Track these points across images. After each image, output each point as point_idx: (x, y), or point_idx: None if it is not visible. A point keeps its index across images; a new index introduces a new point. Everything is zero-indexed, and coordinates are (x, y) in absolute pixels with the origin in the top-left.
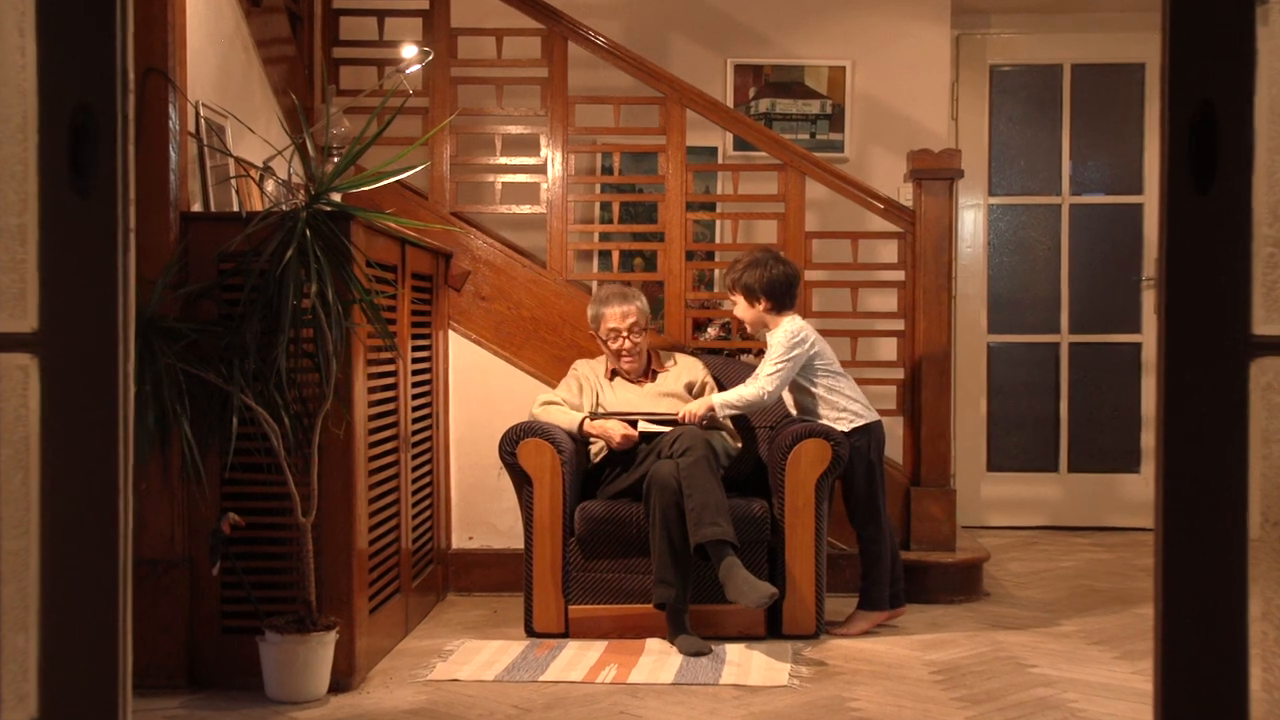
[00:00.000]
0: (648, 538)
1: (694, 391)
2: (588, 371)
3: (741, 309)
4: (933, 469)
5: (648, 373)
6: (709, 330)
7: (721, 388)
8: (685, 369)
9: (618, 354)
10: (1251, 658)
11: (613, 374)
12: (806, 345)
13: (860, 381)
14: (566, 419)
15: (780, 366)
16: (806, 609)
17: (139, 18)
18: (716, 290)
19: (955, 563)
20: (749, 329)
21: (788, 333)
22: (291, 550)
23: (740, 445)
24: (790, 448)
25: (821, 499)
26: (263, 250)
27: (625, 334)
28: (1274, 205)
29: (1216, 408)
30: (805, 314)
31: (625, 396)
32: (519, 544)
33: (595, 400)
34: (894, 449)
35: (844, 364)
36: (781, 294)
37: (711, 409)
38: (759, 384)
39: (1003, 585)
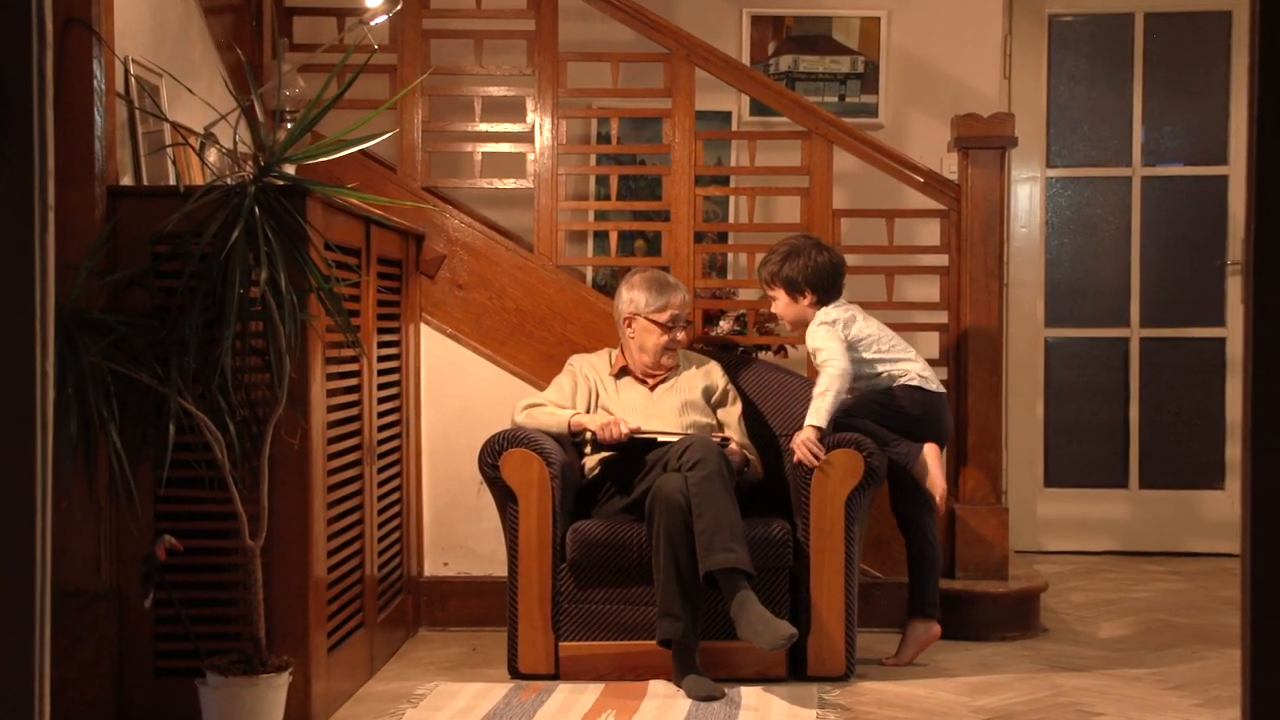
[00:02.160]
0: (650, 563)
1: (713, 400)
2: (586, 368)
3: (782, 305)
4: (981, 484)
5: (658, 376)
6: (721, 323)
7: (741, 392)
8: (701, 371)
9: (660, 350)
10: None
11: (621, 372)
12: (839, 326)
13: None
14: (553, 420)
15: (829, 350)
16: (834, 647)
17: None
18: (730, 278)
19: (1008, 593)
20: (790, 327)
21: (819, 326)
22: (237, 579)
23: (762, 477)
24: (811, 468)
25: (853, 519)
26: (204, 231)
27: (672, 328)
28: None
29: None
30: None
31: (632, 400)
32: (501, 571)
33: (593, 402)
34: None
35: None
36: (829, 285)
37: (820, 431)
38: (824, 372)
39: (1063, 620)
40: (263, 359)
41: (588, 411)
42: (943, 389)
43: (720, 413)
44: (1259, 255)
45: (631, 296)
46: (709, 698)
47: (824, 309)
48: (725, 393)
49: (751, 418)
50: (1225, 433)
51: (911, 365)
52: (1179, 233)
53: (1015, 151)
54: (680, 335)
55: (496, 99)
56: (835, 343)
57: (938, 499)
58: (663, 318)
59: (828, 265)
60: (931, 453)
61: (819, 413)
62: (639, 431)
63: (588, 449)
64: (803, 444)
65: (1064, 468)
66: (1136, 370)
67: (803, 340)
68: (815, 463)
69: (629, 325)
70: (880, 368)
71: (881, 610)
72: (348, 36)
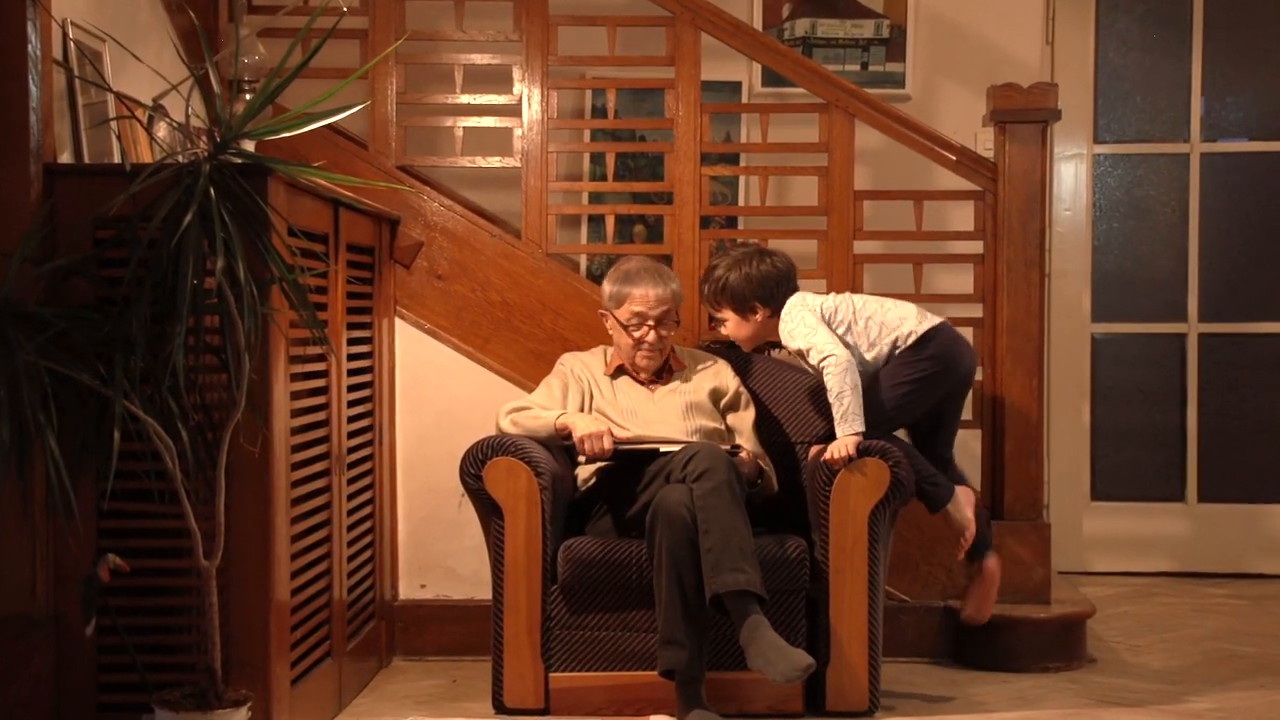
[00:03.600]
0: (651, 585)
1: (723, 404)
2: (579, 368)
3: (733, 326)
4: (1020, 497)
5: (662, 374)
6: None
7: (753, 394)
8: (709, 371)
9: (636, 345)
10: None
11: (617, 371)
12: (818, 312)
13: None
14: (539, 423)
15: (818, 345)
16: (856, 679)
17: None
18: None
19: (1050, 619)
20: (747, 346)
21: (792, 322)
22: (190, 603)
23: (777, 490)
24: (836, 470)
25: (877, 536)
26: (153, 214)
27: (653, 324)
28: None
29: None
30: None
31: (630, 402)
32: (485, 593)
33: (586, 405)
34: (970, 469)
35: None
36: (781, 294)
37: (859, 437)
38: (828, 373)
39: (1112, 649)
40: (219, 357)
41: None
42: (937, 318)
43: (731, 418)
44: None
45: (605, 288)
46: None
47: (789, 304)
48: (737, 396)
49: (763, 423)
50: None
51: (908, 317)
52: (1243, 215)
53: (1059, 126)
54: (659, 333)
55: (479, 68)
56: (821, 331)
57: (966, 540)
58: (623, 314)
59: (773, 272)
60: (966, 497)
61: (852, 418)
62: (628, 442)
63: (581, 457)
64: (842, 446)
65: (1113, 479)
66: (1195, 370)
67: None
68: (843, 463)
69: (606, 319)
70: (886, 344)
71: (909, 637)
72: None
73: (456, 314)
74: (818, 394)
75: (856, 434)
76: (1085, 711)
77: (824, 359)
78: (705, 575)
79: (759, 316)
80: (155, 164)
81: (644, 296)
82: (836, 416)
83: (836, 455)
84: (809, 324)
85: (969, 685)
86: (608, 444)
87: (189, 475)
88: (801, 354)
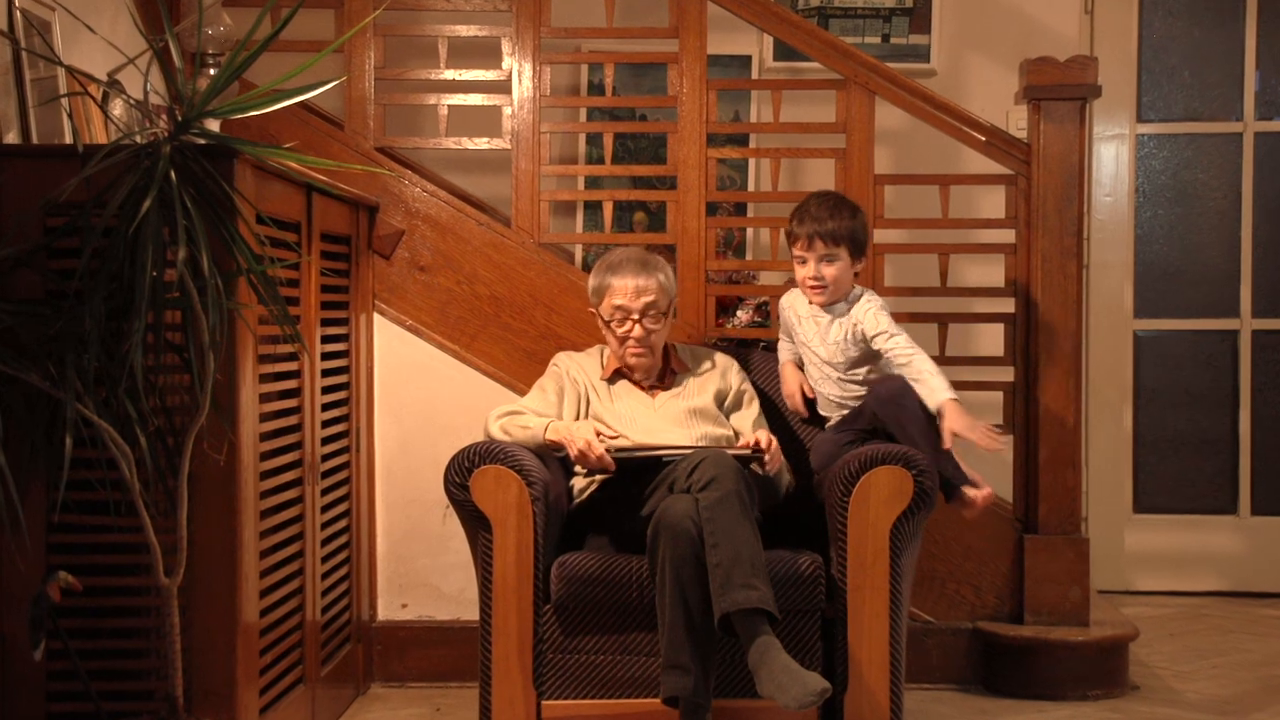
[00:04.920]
0: (653, 605)
1: (726, 405)
2: (575, 369)
3: (840, 269)
4: (1056, 510)
5: (664, 377)
6: (739, 314)
7: (763, 397)
8: (713, 372)
9: (621, 342)
10: None
11: (614, 375)
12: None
13: (956, 385)
14: (527, 434)
15: (895, 328)
16: (877, 706)
17: None
18: (750, 258)
19: (1089, 642)
20: (829, 297)
21: (878, 301)
22: (149, 624)
23: (793, 481)
24: (855, 478)
25: (900, 551)
26: (108, 200)
27: (637, 317)
28: None
29: None
30: (876, 288)
31: (629, 408)
32: (471, 614)
33: (582, 409)
34: (1001, 479)
35: (932, 361)
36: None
37: (972, 423)
38: (907, 349)
39: (1158, 675)
40: (181, 357)
41: (577, 420)
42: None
43: (734, 419)
44: None
45: (591, 284)
46: None
47: (870, 291)
48: (739, 395)
49: (775, 427)
50: None
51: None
52: None
53: (1098, 103)
54: (645, 327)
55: (466, 40)
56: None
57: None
58: (605, 309)
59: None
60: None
61: (944, 386)
62: (626, 450)
63: (577, 466)
64: (981, 431)
65: (1158, 490)
66: (1248, 370)
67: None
68: (998, 445)
69: (597, 320)
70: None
71: (934, 661)
72: None
73: (441, 309)
74: None
75: (954, 400)
76: None
77: (906, 345)
78: (713, 593)
79: (860, 265)
80: (110, 145)
81: (623, 288)
82: (930, 386)
83: (989, 442)
84: (887, 310)
85: (1000, 715)
86: (606, 458)
87: (148, 485)
88: (864, 333)
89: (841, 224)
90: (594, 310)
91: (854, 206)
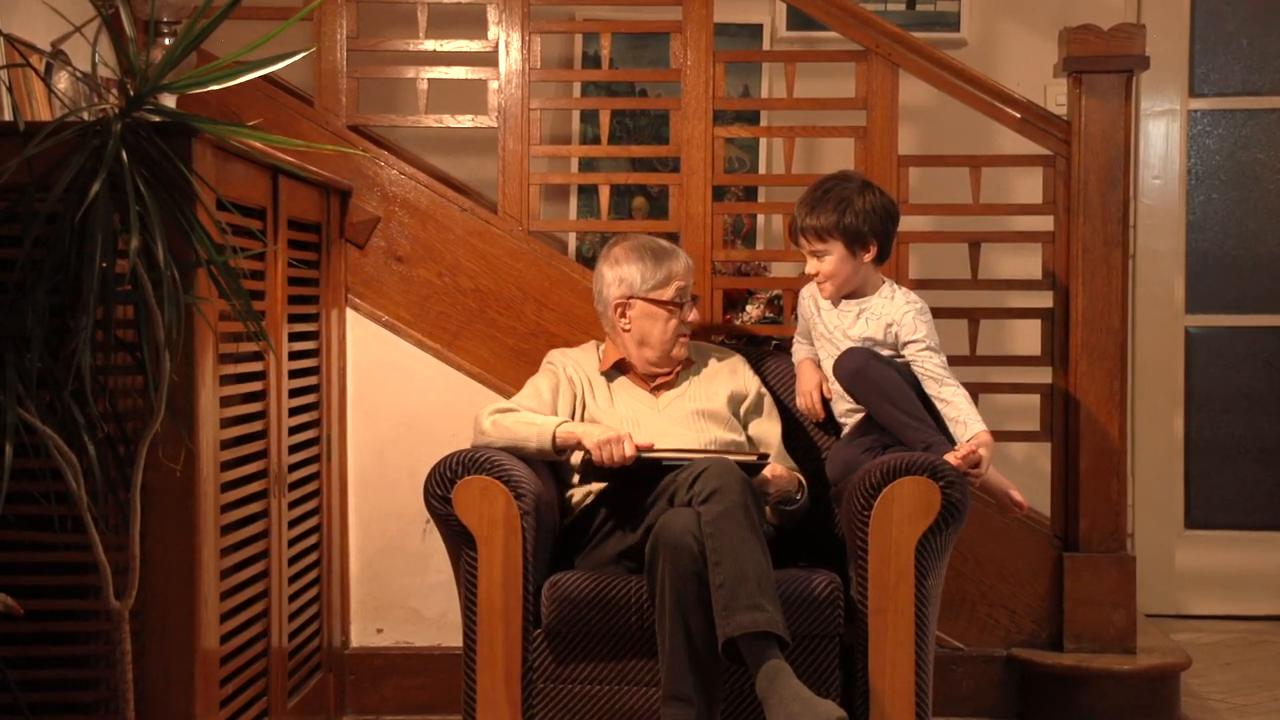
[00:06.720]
0: (653, 629)
1: (743, 411)
2: (572, 367)
3: (835, 262)
4: (1098, 525)
5: (669, 374)
6: (749, 309)
7: (775, 398)
8: (723, 369)
9: (671, 341)
10: None
11: (613, 371)
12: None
13: (988, 387)
14: (532, 431)
15: (935, 341)
16: None
17: None
18: (761, 248)
19: (1136, 672)
20: (833, 291)
21: (919, 303)
22: (98, 651)
23: (804, 498)
24: (877, 490)
25: (926, 571)
26: (53, 183)
27: (690, 304)
28: None
29: None
30: (900, 281)
31: (630, 409)
32: (454, 639)
33: (579, 411)
34: (1037, 491)
35: (961, 360)
36: (891, 234)
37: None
38: (938, 368)
39: (1212, 708)
40: (133, 356)
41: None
42: None
43: (753, 427)
44: None
45: (621, 274)
46: None
47: (905, 290)
48: (759, 399)
49: (788, 432)
50: None
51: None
52: None
53: (1146, 76)
54: (694, 316)
55: (447, 7)
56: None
57: (1016, 498)
58: (668, 294)
59: (887, 207)
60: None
61: (976, 417)
62: (650, 450)
63: (575, 478)
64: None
65: (1211, 503)
66: None
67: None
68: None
69: (623, 314)
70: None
71: (964, 691)
72: None
73: (420, 304)
74: None
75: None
76: None
77: (937, 358)
78: (716, 616)
79: (868, 256)
80: (55, 122)
81: (683, 270)
82: (961, 414)
83: (983, 457)
84: (928, 316)
85: None
86: (629, 448)
87: (96, 498)
88: (898, 335)
89: (824, 219)
90: (631, 301)
91: (847, 197)
